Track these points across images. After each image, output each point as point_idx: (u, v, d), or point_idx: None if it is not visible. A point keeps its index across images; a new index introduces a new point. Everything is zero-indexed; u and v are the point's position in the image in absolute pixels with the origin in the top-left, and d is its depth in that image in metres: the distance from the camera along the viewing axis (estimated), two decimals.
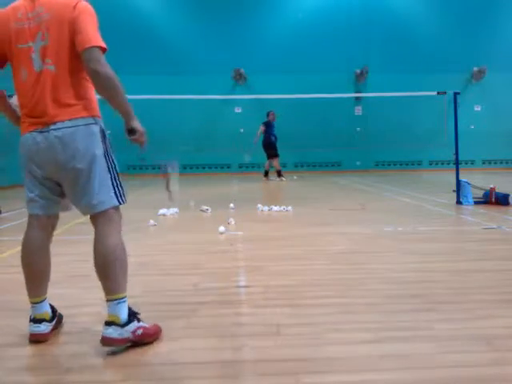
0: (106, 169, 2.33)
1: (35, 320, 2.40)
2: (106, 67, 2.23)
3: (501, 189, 7.65)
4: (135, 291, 3.21)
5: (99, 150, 2.32)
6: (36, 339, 2.39)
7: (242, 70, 17.42)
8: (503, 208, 6.88)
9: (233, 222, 5.84)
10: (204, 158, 17.24)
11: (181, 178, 3.03)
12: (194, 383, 1.98)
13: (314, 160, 17.83)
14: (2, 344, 2.39)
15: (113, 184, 2.34)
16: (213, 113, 16.71)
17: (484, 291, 3.11)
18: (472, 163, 17.94)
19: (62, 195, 2.42)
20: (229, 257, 4.20)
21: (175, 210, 6.94)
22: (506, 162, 18.28)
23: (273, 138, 13.53)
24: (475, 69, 18.07)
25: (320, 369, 2.07)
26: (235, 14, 17.37)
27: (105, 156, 2.34)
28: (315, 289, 3.22)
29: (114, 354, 2.25)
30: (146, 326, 2.34)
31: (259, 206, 7.14)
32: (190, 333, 2.49)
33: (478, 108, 18.27)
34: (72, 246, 4.83)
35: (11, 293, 3.25)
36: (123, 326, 2.24)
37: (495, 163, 18.35)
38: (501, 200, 7.13)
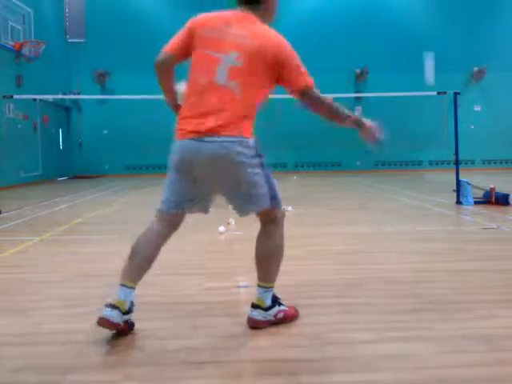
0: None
1: (109, 304, 2.34)
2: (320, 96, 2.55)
3: (501, 189, 7.65)
4: (135, 291, 3.21)
5: None
6: (102, 324, 2.31)
7: None
8: (503, 208, 6.88)
9: (233, 222, 5.83)
10: None
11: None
12: (194, 383, 1.98)
13: (314, 160, 17.83)
14: (2, 344, 2.39)
15: None
16: None
17: (484, 291, 3.11)
18: (472, 163, 17.94)
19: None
20: (229, 257, 4.20)
21: None
22: (506, 162, 18.29)
23: None
24: (475, 69, 18.08)
25: (320, 369, 2.06)
26: None
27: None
28: (315, 289, 3.22)
29: (113, 353, 2.25)
30: (286, 309, 2.62)
31: None
32: (190, 333, 2.49)
33: (477, 108, 18.28)
34: (72, 245, 4.83)
35: (11, 293, 3.24)
36: (267, 309, 2.54)
37: (495, 163, 18.35)
38: (501, 200, 7.13)
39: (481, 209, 6.93)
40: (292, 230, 5.60)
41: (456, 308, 2.79)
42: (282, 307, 2.61)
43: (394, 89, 14.07)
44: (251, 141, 2.45)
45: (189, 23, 2.54)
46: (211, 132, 2.36)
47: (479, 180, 10.09)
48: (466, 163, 17.22)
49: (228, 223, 5.77)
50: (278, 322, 2.56)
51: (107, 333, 2.41)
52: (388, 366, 2.09)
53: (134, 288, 2.44)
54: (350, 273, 3.61)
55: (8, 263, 4.14)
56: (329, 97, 2.56)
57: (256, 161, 2.45)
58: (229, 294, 3.13)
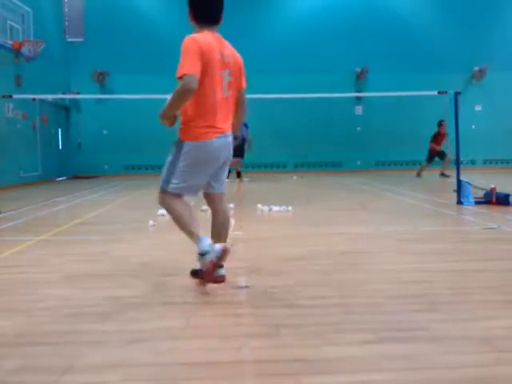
0: None
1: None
2: None
3: (501, 189, 7.64)
4: (135, 291, 3.21)
5: None
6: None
7: None
8: (504, 208, 6.87)
9: (233, 222, 5.83)
10: None
11: None
12: (194, 383, 1.98)
13: (314, 160, 17.83)
14: (2, 344, 2.39)
15: None
16: None
17: (484, 291, 3.10)
18: (472, 163, 17.93)
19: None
20: (229, 257, 4.18)
21: None
22: (507, 162, 18.28)
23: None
24: (476, 68, 18.07)
25: (320, 369, 2.06)
26: (235, 13, 17.34)
27: None
28: (315, 289, 3.22)
29: (113, 354, 2.25)
30: None
31: (259, 206, 7.13)
32: (190, 333, 2.49)
33: (478, 108, 18.26)
34: (71, 246, 4.83)
35: (11, 293, 3.24)
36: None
37: (496, 163, 18.34)
38: (502, 200, 7.12)
39: (481, 209, 6.92)
40: (292, 230, 5.60)
41: (456, 308, 2.79)
42: None
43: (395, 88, 14.04)
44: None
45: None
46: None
47: (480, 180, 10.09)
48: (467, 163, 17.21)
49: None
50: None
51: (106, 333, 2.41)
52: (388, 366, 2.09)
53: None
54: (349, 273, 3.61)
55: (8, 263, 4.14)
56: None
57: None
58: (229, 293, 3.13)
